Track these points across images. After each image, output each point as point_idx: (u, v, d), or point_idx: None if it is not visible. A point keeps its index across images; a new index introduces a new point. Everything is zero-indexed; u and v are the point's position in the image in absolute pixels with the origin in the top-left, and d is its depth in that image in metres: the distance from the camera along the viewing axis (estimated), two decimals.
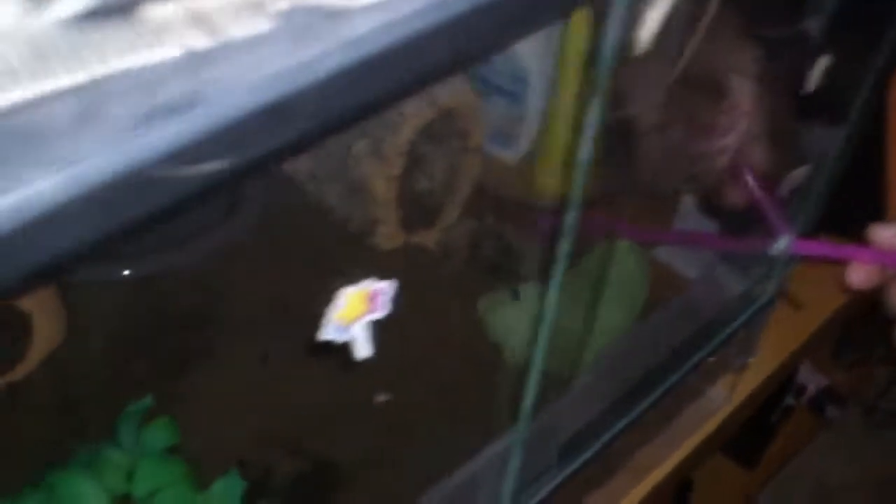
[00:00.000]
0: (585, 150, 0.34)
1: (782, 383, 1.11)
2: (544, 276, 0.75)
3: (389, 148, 0.68)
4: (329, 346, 0.32)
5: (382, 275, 0.74)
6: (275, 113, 0.21)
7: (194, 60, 0.21)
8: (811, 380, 1.32)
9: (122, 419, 0.47)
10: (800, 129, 0.58)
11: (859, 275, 0.56)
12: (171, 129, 0.19)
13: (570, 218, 0.36)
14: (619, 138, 0.69)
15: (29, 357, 0.60)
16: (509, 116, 0.87)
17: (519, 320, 0.70)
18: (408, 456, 0.62)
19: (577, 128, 0.86)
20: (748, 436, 1.27)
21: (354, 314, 0.32)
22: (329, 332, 0.32)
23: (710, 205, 0.73)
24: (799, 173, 0.56)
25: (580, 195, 0.36)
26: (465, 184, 0.78)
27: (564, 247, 0.36)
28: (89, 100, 0.19)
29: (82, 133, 0.19)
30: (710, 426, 0.74)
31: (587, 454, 0.54)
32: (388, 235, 0.72)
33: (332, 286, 0.73)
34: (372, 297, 0.32)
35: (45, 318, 0.60)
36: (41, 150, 0.18)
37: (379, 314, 0.33)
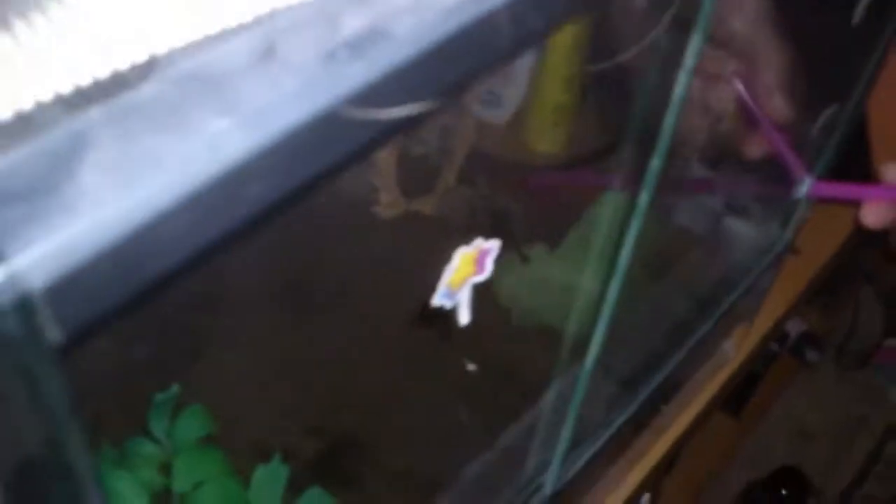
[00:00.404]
0: (681, 87, 0.32)
1: None
2: (549, 237, 0.73)
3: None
4: (434, 314, 0.30)
5: (386, 243, 0.72)
6: (468, 40, 0.18)
7: None
8: (792, 325, 1.32)
9: (153, 411, 0.45)
10: (830, 70, 0.57)
11: (874, 214, 0.56)
12: (358, 67, 0.17)
13: (655, 165, 0.34)
14: (622, 87, 0.67)
15: None
16: (495, 77, 0.85)
17: (528, 284, 0.69)
18: (429, 432, 0.61)
19: (568, 85, 0.84)
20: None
21: (463, 276, 0.30)
22: (441, 297, 0.30)
23: (714, 159, 0.72)
24: (827, 115, 0.55)
25: (669, 138, 0.34)
26: (461, 148, 0.76)
27: (644, 197, 0.35)
28: (265, 36, 0.17)
29: (263, 74, 0.17)
30: (721, 380, 0.74)
31: (625, 415, 0.53)
32: (390, 204, 0.70)
33: (335, 256, 0.70)
34: (480, 258, 0.30)
35: None
36: (221, 95, 0.16)
37: (483, 276, 0.31)
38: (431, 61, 0.18)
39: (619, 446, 0.58)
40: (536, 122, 0.85)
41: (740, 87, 0.60)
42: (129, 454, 0.44)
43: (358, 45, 0.17)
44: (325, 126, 0.17)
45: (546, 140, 0.85)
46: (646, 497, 1.06)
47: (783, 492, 1.28)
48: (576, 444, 0.46)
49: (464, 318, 0.31)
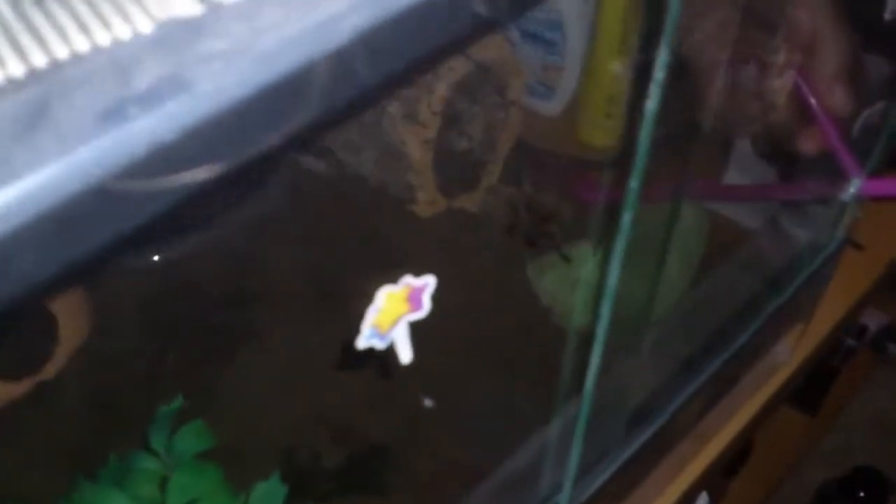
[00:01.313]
0: (654, 101, 0.30)
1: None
2: (599, 232, 0.71)
3: (423, 109, 0.64)
4: (364, 356, 0.29)
5: (424, 243, 0.71)
6: (280, 95, 0.17)
7: (178, 34, 0.17)
8: (872, 319, 1.27)
9: (153, 424, 0.45)
10: (873, 64, 0.54)
11: None
12: (145, 124, 0.16)
13: (634, 186, 0.32)
14: (673, 79, 0.65)
15: (57, 354, 0.58)
16: (547, 66, 0.83)
17: (570, 283, 0.67)
18: (461, 434, 0.59)
19: (621, 76, 0.81)
20: (809, 382, 1.23)
21: (394, 316, 0.29)
22: (368, 339, 0.28)
23: (769, 149, 0.68)
24: (873, 111, 0.52)
25: (644, 163, 0.32)
26: (506, 141, 0.74)
27: (627, 218, 0.33)
28: (45, 90, 0.16)
29: (35, 135, 0.15)
30: (776, 383, 0.71)
31: (657, 424, 0.50)
32: (428, 202, 0.69)
33: (371, 259, 0.69)
34: (412, 296, 0.29)
35: (68, 311, 0.58)
36: None
37: (420, 314, 0.29)
38: (237, 116, 0.17)
39: (653, 456, 0.55)
40: (589, 115, 0.82)
41: (798, 78, 0.57)
42: (131, 468, 0.44)
43: (149, 100, 0.16)
44: (91, 202, 0.16)
45: (598, 133, 0.82)
46: (702, 496, 1.03)
47: (861, 493, 1.23)
48: (589, 462, 0.44)
49: (405, 356, 0.30)
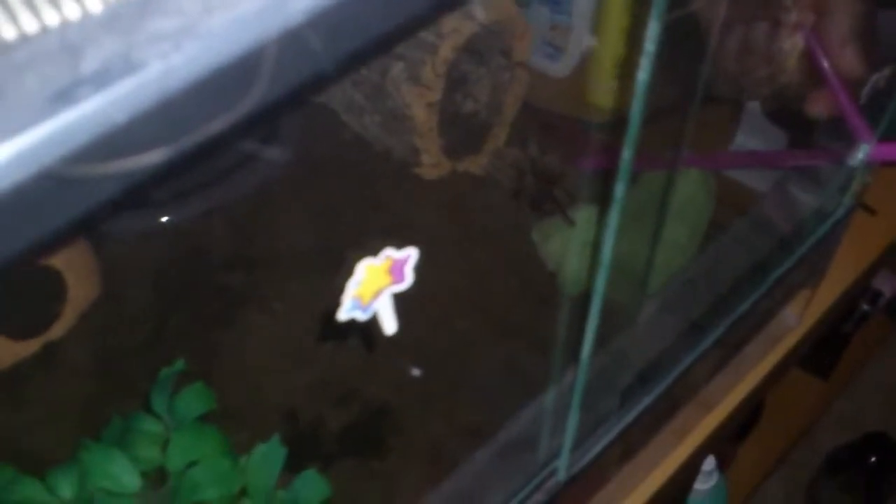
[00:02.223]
0: (644, 72, 0.29)
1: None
2: (600, 199, 0.70)
3: (427, 71, 0.63)
4: (347, 328, 0.29)
5: (428, 206, 0.70)
6: (234, 76, 0.16)
7: (129, 11, 0.16)
8: (886, 284, 1.25)
9: (155, 386, 0.45)
10: (881, 26, 0.52)
11: None
12: (95, 105, 0.15)
13: (626, 156, 0.31)
14: (679, 39, 0.63)
15: (65, 315, 0.58)
16: (555, 26, 0.82)
17: (575, 247, 0.66)
18: (463, 396, 0.59)
19: (629, 38, 0.80)
20: (821, 346, 1.22)
21: (375, 288, 0.28)
22: (349, 310, 0.28)
23: (779, 112, 0.67)
24: (881, 76, 0.51)
25: (636, 135, 0.31)
26: (512, 103, 0.73)
27: (620, 189, 0.32)
28: None
29: None
30: (784, 348, 0.70)
31: (656, 392, 0.50)
32: (433, 165, 0.68)
33: (375, 222, 0.69)
34: (393, 268, 0.28)
35: (77, 273, 0.58)
36: None
37: (402, 286, 0.29)
38: (186, 99, 0.16)
39: (655, 421, 0.55)
40: (598, 76, 0.81)
41: (810, 38, 0.56)
42: (133, 429, 0.44)
43: (99, 81, 0.15)
44: (42, 186, 0.15)
45: (608, 95, 0.81)
46: (709, 459, 1.03)
47: (872, 458, 1.23)
48: (588, 427, 0.44)
49: (389, 328, 0.30)
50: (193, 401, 0.44)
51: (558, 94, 0.81)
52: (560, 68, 0.82)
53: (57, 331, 0.59)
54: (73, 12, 0.17)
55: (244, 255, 0.66)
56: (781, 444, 1.25)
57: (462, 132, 0.71)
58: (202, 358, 0.60)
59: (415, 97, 0.64)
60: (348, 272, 0.28)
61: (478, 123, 0.73)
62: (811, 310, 0.70)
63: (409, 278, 0.29)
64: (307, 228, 0.68)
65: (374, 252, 0.28)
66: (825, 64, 0.57)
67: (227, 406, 0.51)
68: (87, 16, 0.17)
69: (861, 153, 0.52)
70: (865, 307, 1.23)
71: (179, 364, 0.46)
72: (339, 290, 0.28)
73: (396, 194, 0.70)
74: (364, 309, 0.28)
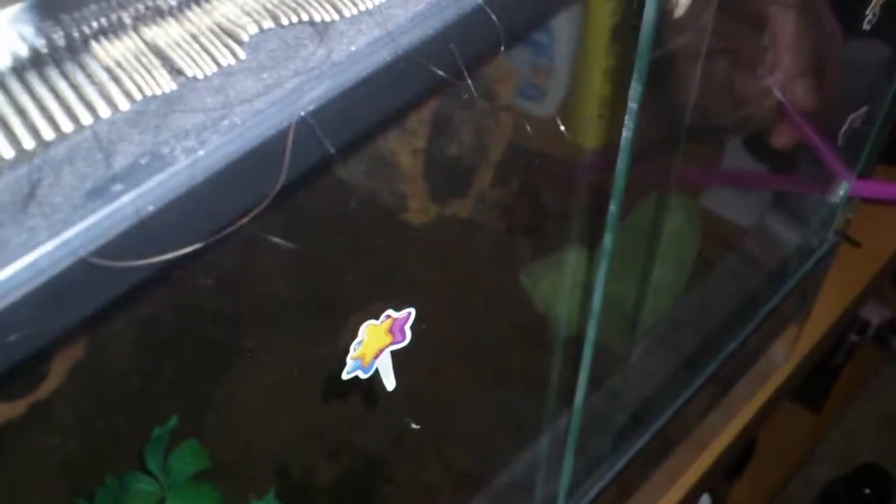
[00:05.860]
0: (628, 132, 0.29)
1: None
2: (589, 237, 0.70)
3: (412, 118, 0.64)
4: (349, 386, 0.29)
5: (416, 251, 0.70)
6: (255, 167, 0.17)
7: (156, 109, 0.17)
8: (874, 314, 1.26)
9: (149, 445, 0.45)
10: (856, 68, 0.53)
11: None
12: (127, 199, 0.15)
13: (614, 210, 0.32)
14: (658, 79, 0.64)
15: (52, 373, 0.58)
16: (537, 67, 0.82)
17: (565, 288, 0.66)
18: (455, 446, 0.59)
19: (611, 80, 0.81)
20: (812, 379, 1.22)
21: (376, 347, 0.29)
22: (352, 370, 0.28)
23: (760, 148, 0.68)
24: (858, 115, 0.51)
25: (623, 190, 0.31)
26: (497, 146, 0.74)
27: (608, 240, 0.32)
28: (32, 171, 0.16)
29: (24, 215, 0.15)
30: (774, 384, 0.70)
31: (649, 433, 0.50)
32: (419, 210, 0.68)
33: (364, 269, 0.69)
34: (395, 327, 0.29)
35: None
36: None
37: (404, 343, 0.29)
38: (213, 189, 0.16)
39: (650, 462, 0.55)
40: (580, 116, 0.82)
41: (768, 73, 0.56)
42: (127, 489, 0.44)
43: (130, 178, 0.16)
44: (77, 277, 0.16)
45: (591, 134, 0.82)
46: (704, 498, 1.02)
47: (867, 490, 1.22)
48: (582, 471, 0.43)
49: (389, 384, 0.30)
50: (188, 459, 0.44)
51: (541, 135, 0.82)
52: (543, 108, 0.83)
53: (44, 390, 0.58)
54: (104, 112, 0.17)
55: (229, 306, 0.66)
56: (776, 480, 1.25)
57: (447, 176, 0.71)
58: (191, 413, 0.59)
59: (400, 144, 0.64)
60: (351, 333, 0.28)
61: (463, 167, 0.73)
62: (799, 346, 0.70)
63: (408, 337, 0.29)
64: (295, 277, 0.68)
65: (376, 314, 0.29)
66: (784, 98, 0.57)
67: (220, 461, 0.51)
68: (116, 113, 0.17)
69: (841, 190, 0.53)
70: (854, 338, 1.23)
71: (173, 421, 0.45)
72: (333, 345, 0.28)
73: (383, 240, 0.70)
74: (366, 369, 0.29)
